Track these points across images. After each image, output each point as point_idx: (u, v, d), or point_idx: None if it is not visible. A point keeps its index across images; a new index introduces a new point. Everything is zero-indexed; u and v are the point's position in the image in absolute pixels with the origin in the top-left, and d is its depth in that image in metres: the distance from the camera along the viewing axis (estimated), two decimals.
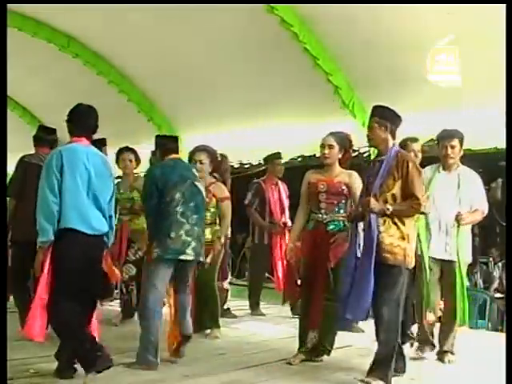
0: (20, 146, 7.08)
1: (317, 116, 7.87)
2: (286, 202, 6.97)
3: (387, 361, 4.06)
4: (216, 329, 5.52)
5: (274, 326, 6.31)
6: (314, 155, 5.27)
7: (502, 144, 5.57)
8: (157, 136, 5.08)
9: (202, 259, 4.69)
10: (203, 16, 7.42)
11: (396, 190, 4.11)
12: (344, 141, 4.72)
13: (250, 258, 7.40)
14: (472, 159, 5.95)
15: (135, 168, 6.51)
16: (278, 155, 7.02)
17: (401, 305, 4.15)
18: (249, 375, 4.38)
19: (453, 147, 4.77)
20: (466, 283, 4.87)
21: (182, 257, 4.45)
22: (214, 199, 5.51)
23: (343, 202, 4.64)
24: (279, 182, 6.97)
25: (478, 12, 5.86)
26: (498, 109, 3.87)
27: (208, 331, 5.53)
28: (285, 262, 6.32)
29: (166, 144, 4.84)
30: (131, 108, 9.66)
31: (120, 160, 6.34)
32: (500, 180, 6.78)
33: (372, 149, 7.48)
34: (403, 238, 4.11)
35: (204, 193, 4.75)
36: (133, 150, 6.45)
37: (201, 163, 5.46)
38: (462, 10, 5.91)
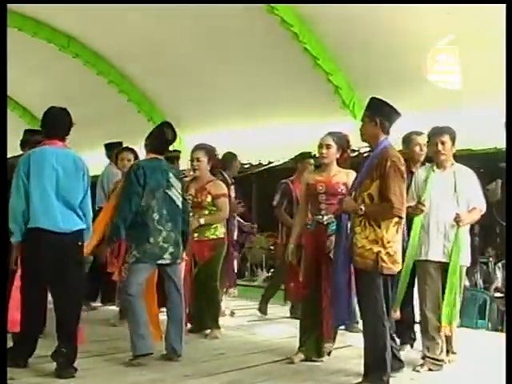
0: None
1: (317, 116, 7.87)
2: None
3: (379, 364, 3.97)
4: (216, 329, 5.53)
5: (274, 326, 6.32)
6: (314, 155, 5.27)
7: (501, 144, 5.57)
8: (163, 124, 5.02)
9: (179, 261, 4.79)
10: (203, 16, 7.43)
11: (373, 189, 3.96)
12: (342, 140, 4.73)
13: (276, 258, 7.38)
14: (472, 159, 5.97)
15: None
16: (308, 154, 6.71)
17: (382, 307, 3.98)
18: (249, 375, 4.38)
19: (443, 143, 4.57)
20: (461, 286, 4.62)
21: (159, 261, 4.66)
22: (209, 197, 5.51)
23: None
24: None
25: (477, 12, 5.87)
26: (497, 109, 3.87)
27: (208, 331, 5.53)
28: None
29: (155, 139, 4.85)
30: (131, 108, 9.67)
31: (119, 160, 6.36)
32: (499, 180, 6.76)
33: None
34: (377, 242, 3.93)
35: (178, 200, 4.83)
36: (132, 150, 6.45)
37: (198, 161, 5.49)
38: (462, 10, 5.92)
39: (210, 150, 5.67)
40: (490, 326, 6.99)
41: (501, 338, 5.21)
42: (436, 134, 4.65)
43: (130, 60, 9.14)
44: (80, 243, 4.25)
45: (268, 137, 8.66)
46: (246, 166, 10.12)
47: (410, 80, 6.89)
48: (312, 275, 4.64)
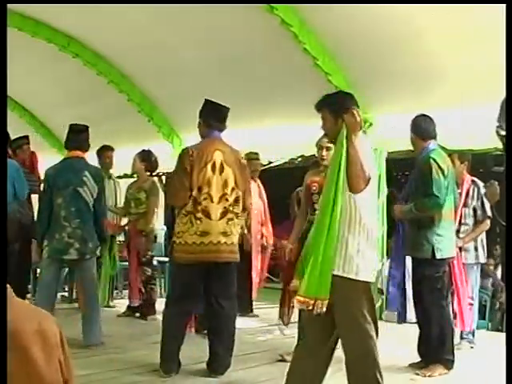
0: None
1: (317, 116, 7.82)
2: None
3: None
4: None
5: (274, 326, 6.31)
6: (314, 155, 5.27)
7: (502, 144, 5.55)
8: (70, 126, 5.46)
9: (88, 257, 5.13)
10: (204, 16, 7.41)
11: None
12: None
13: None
14: (472, 159, 5.96)
15: (150, 169, 6.80)
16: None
17: (177, 294, 4.43)
18: (249, 375, 4.39)
19: (324, 119, 3.84)
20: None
21: (65, 256, 5.02)
22: None
23: None
24: None
25: (478, 12, 5.86)
26: (498, 109, 3.86)
27: None
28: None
29: (73, 139, 5.29)
30: (131, 108, 9.65)
31: None
32: (495, 182, 6.74)
33: (372, 148, 7.47)
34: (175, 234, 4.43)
35: (88, 198, 5.13)
36: (140, 153, 6.77)
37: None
38: (462, 10, 5.91)
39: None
40: (490, 326, 6.99)
41: (501, 337, 5.22)
42: (315, 108, 3.92)
43: (130, 60, 9.11)
44: None
45: (267, 137, 8.64)
46: None
47: (409, 80, 6.88)
48: None
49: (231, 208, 4.46)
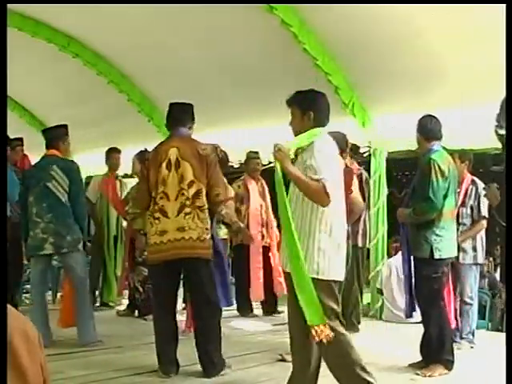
0: None
1: None
2: None
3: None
4: None
5: (274, 326, 6.31)
6: None
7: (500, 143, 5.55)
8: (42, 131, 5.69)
9: (66, 250, 5.09)
10: (204, 16, 7.41)
11: None
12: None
13: None
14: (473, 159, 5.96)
15: None
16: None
17: (154, 295, 4.65)
18: (249, 375, 4.39)
19: (293, 115, 3.78)
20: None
21: (42, 252, 5.02)
22: None
23: None
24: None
25: (477, 12, 5.86)
26: (498, 109, 3.85)
27: None
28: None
29: (46, 139, 5.35)
30: (131, 108, 9.65)
31: None
32: (494, 184, 6.72)
33: (372, 149, 7.48)
34: None
35: (59, 192, 5.14)
36: (138, 154, 6.81)
37: None
38: (462, 10, 5.90)
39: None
40: (490, 326, 6.99)
41: (501, 337, 5.22)
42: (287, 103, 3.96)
43: (130, 60, 9.11)
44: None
45: (268, 137, 8.64)
46: None
47: (409, 80, 6.88)
48: None
49: (188, 202, 4.36)
